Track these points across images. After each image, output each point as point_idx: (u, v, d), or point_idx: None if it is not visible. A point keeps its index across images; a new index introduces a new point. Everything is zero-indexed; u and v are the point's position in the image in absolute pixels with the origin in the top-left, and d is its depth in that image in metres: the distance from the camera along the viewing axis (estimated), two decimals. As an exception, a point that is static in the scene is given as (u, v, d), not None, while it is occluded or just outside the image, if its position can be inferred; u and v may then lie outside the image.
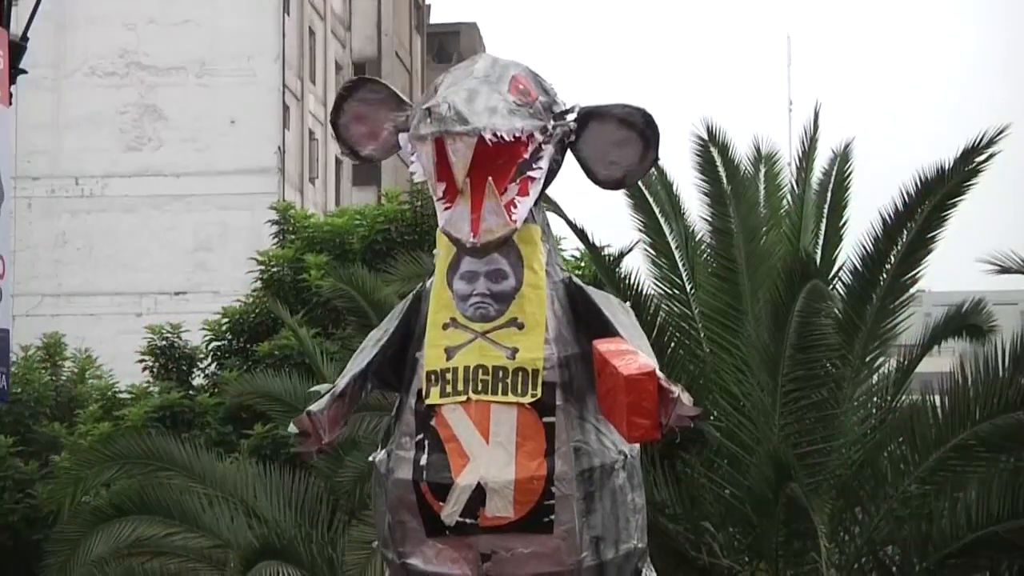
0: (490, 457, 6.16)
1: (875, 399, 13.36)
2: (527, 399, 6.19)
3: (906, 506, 12.16)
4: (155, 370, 20.14)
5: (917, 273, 12.97)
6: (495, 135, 6.01)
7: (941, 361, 14.49)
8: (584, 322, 6.37)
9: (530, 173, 6.18)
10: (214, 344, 19.60)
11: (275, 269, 19.37)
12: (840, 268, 13.79)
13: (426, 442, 6.24)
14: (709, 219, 13.96)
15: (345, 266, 16.65)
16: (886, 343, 13.23)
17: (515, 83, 6.22)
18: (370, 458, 6.66)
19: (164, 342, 20.12)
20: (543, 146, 6.21)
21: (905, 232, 12.67)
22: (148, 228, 38.03)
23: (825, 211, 14.46)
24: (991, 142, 12.37)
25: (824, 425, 12.35)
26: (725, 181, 13.78)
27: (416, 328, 6.45)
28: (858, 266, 12.91)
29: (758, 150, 15.62)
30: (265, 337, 18.67)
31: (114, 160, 38.52)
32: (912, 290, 13.12)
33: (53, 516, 16.41)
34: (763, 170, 15.48)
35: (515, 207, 6.13)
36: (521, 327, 6.26)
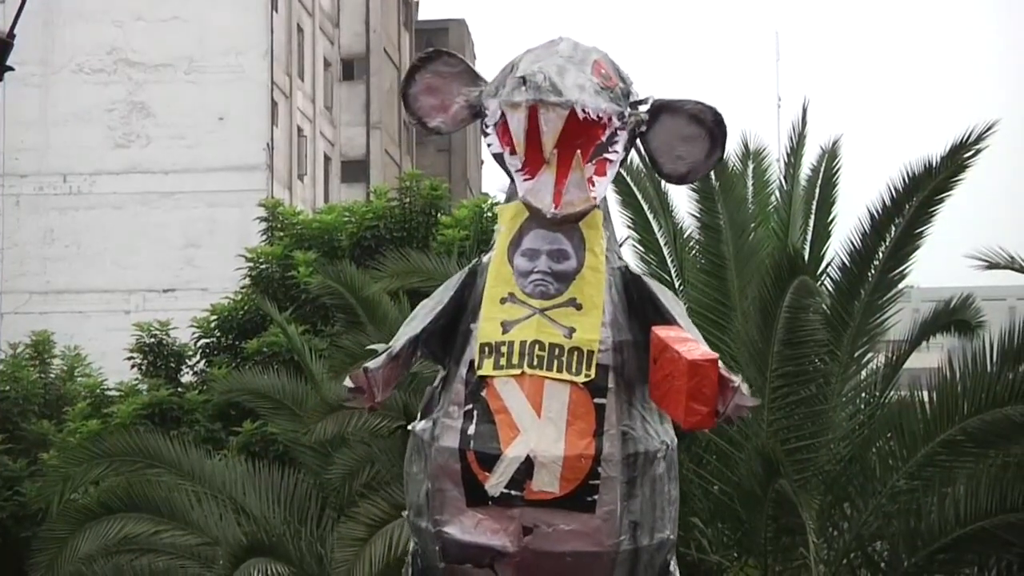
0: (541, 431, 6.21)
1: (863, 395, 13.38)
2: (581, 378, 6.26)
3: (894, 502, 12.17)
4: (144, 367, 20.11)
5: (905, 269, 12.99)
6: (584, 111, 6.15)
7: (929, 357, 14.52)
8: (638, 311, 6.45)
9: (607, 155, 6.33)
10: (203, 341, 19.56)
11: (264, 266, 19.34)
12: (828, 264, 13.81)
13: (475, 412, 6.28)
14: (697, 215, 13.97)
15: (334, 263, 16.63)
16: (874, 339, 13.25)
17: (597, 67, 6.38)
18: (409, 427, 6.68)
19: (153, 339, 20.07)
20: (618, 132, 6.35)
21: (893, 228, 12.69)
22: (136, 225, 37.97)
23: (813, 207, 14.49)
24: (979, 138, 12.39)
25: (812, 421, 12.36)
26: (713, 177, 13.79)
27: (469, 301, 6.50)
28: (846, 262, 12.93)
29: (746, 146, 15.64)
30: (254, 334, 18.64)
31: (102, 157, 38.46)
32: (900, 286, 13.15)
33: (41, 514, 16.39)
34: (751, 166, 15.51)
35: (594, 185, 6.28)
36: (579, 308, 6.34)
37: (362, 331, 13.67)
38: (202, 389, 18.74)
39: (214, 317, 19.52)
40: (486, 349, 6.32)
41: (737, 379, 6.13)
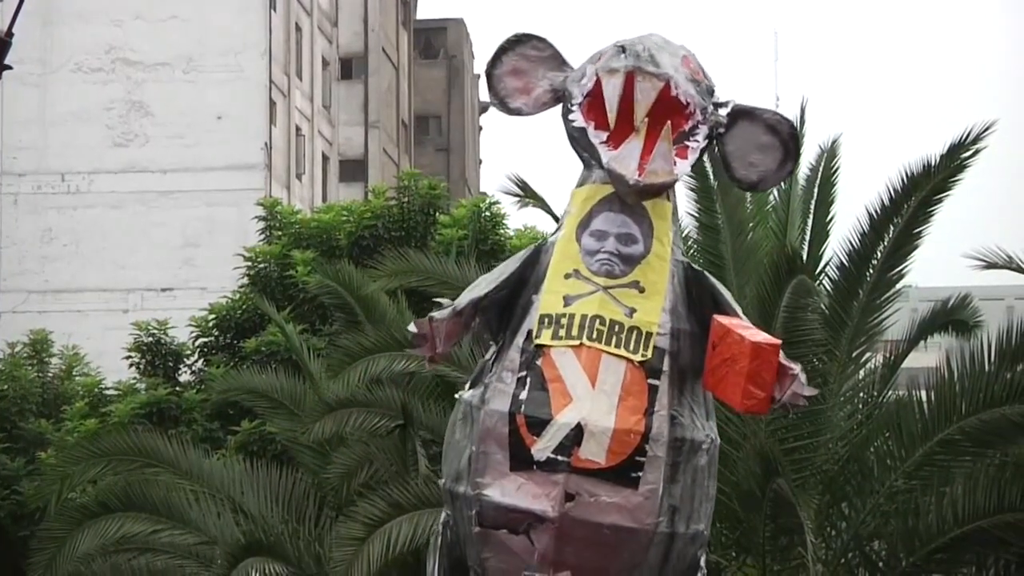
0: (594, 402, 6.30)
1: (861, 394, 13.38)
2: (638, 357, 6.38)
3: (892, 501, 12.18)
4: (142, 367, 20.10)
5: (903, 268, 13.00)
6: (677, 89, 6.34)
7: (927, 356, 14.52)
8: (696, 306, 6.59)
9: (688, 143, 6.47)
10: (201, 340, 19.56)
11: (262, 265, 19.33)
12: (827, 263, 13.81)
13: (528, 379, 6.39)
14: (696, 215, 13.98)
15: (332, 262, 16.63)
16: (872, 338, 13.25)
17: (686, 61, 6.56)
18: (456, 395, 6.79)
19: (151, 339, 20.07)
20: (700, 125, 6.49)
21: (891, 227, 12.70)
22: (135, 224, 37.94)
23: (812, 206, 14.49)
24: (977, 138, 12.41)
25: (811, 421, 12.36)
26: (712, 176, 13.80)
27: (532, 277, 6.62)
28: (844, 261, 12.94)
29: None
30: (252, 333, 18.63)
31: (101, 156, 38.42)
32: (898, 285, 13.15)
33: (40, 512, 16.39)
34: (750, 166, 15.46)
35: (677, 162, 6.43)
36: (642, 291, 6.48)
37: (360, 330, 13.67)
38: (200, 388, 18.74)
39: (212, 316, 19.52)
40: (546, 320, 6.45)
41: (797, 367, 6.31)
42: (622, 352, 6.37)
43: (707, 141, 6.60)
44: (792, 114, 14.86)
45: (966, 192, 13.34)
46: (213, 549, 12.95)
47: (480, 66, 7.37)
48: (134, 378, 20.09)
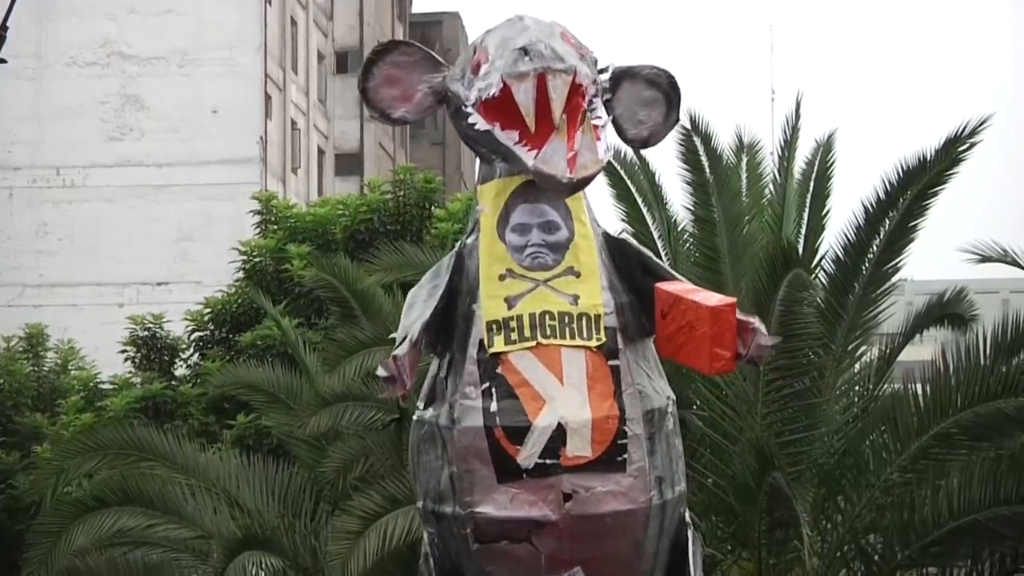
0: (566, 398, 6.29)
1: (857, 388, 13.39)
2: (594, 343, 6.36)
3: (888, 494, 12.19)
4: (137, 361, 20.10)
5: (899, 262, 13.01)
6: (579, 76, 6.25)
7: (923, 350, 14.54)
8: (626, 274, 6.58)
9: (595, 121, 6.37)
10: (196, 335, 19.56)
11: (257, 259, 19.33)
12: (822, 257, 13.82)
13: (493, 389, 6.34)
14: (692, 208, 13.98)
15: (328, 256, 16.62)
16: (868, 332, 13.26)
17: (565, 37, 6.46)
18: (415, 416, 6.72)
19: (146, 333, 20.07)
20: (594, 99, 6.40)
21: (887, 221, 12.71)
22: (130, 218, 37.92)
23: (808, 200, 14.50)
24: (973, 132, 12.42)
25: (806, 414, 12.37)
26: (708, 170, 13.81)
27: (463, 284, 6.54)
28: (840, 255, 12.94)
29: (740, 139, 15.64)
30: (247, 327, 18.63)
31: (96, 150, 38.40)
32: (894, 279, 13.16)
33: (35, 507, 16.37)
34: (745, 159, 15.51)
35: (598, 148, 6.35)
36: (578, 275, 6.45)
37: (356, 324, 13.66)
38: (196, 382, 18.74)
39: (208, 310, 19.52)
40: (494, 327, 6.38)
41: (755, 320, 6.32)
42: (578, 342, 6.35)
43: (608, 114, 6.52)
44: (788, 108, 14.89)
45: (962, 186, 13.36)
46: (209, 543, 12.95)
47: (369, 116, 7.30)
48: (129, 372, 20.10)
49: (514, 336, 6.35)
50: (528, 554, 6.34)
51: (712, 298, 6.29)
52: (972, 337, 12.59)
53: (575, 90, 6.26)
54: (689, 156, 13.86)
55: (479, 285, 6.45)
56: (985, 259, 13.18)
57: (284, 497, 13.44)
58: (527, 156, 6.28)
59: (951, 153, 12.47)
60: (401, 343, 6.41)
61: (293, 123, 42.28)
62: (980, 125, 12.43)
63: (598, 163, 6.30)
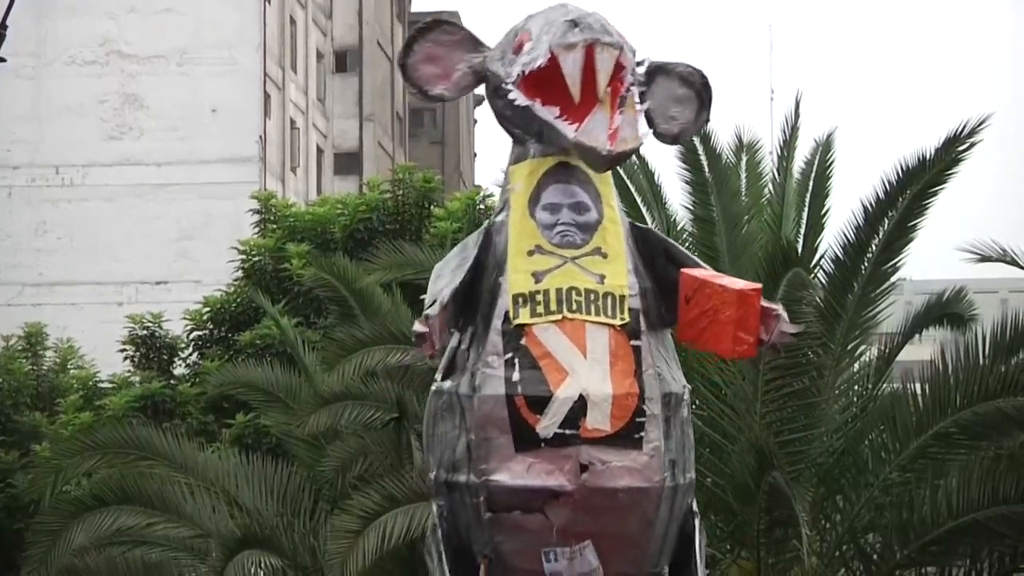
0: (588, 371, 6.39)
1: (856, 387, 13.38)
2: (618, 321, 6.48)
3: (887, 494, 12.19)
4: (136, 360, 20.09)
5: (898, 262, 13.01)
6: (625, 56, 6.40)
7: (922, 349, 14.53)
8: (650, 262, 6.73)
9: (636, 107, 6.51)
10: (195, 334, 19.55)
11: (257, 258, 19.33)
12: (822, 256, 13.82)
13: (516, 360, 6.44)
14: (691, 208, 13.98)
15: (327, 255, 16.61)
16: (867, 331, 13.26)
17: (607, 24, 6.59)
18: (433, 388, 6.80)
19: (145, 332, 20.07)
20: (631, 87, 6.53)
21: (886, 221, 12.70)
22: (129, 217, 37.91)
23: (807, 199, 14.50)
24: (973, 131, 12.42)
25: (805, 413, 12.37)
26: (707, 170, 13.80)
27: (489, 260, 6.67)
28: (839, 254, 12.94)
29: (740, 139, 15.63)
30: (247, 326, 18.63)
31: (95, 149, 38.39)
32: (893, 278, 13.16)
33: (34, 505, 16.36)
34: (744, 159, 15.51)
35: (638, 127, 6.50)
36: (605, 256, 6.57)
37: (355, 323, 13.65)
38: (195, 381, 18.73)
39: (207, 309, 19.51)
40: (520, 299, 6.49)
41: (778, 307, 6.48)
42: (603, 319, 6.46)
43: (645, 101, 6.66)
44: (787, 107, 14.88)
45: (961, 186, 13.36)
46: (208, 542, 12.94)
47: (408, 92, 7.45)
48: (128, 371, 20.09)
49: (540, 309, 6.45)
50: (540, 526, 6.40)
51: (738, 283, 6.43)
52: (971, 337, 12.59)
53: (620, 68, 6.39)
54: (688, 155, 13.86)
55: (507, 260, 6.57)
56: (984, 259, 13.19)
57: (283, 496, 13.44)
58: (567, 129, 6.39)
59: (950, 153, 12.47)
60: (432, 305, 6.54)
61: (292, 122, 42.27)
62: (979, 125, 12.43)
63: (637, 140, 6.44)
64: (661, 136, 6.92)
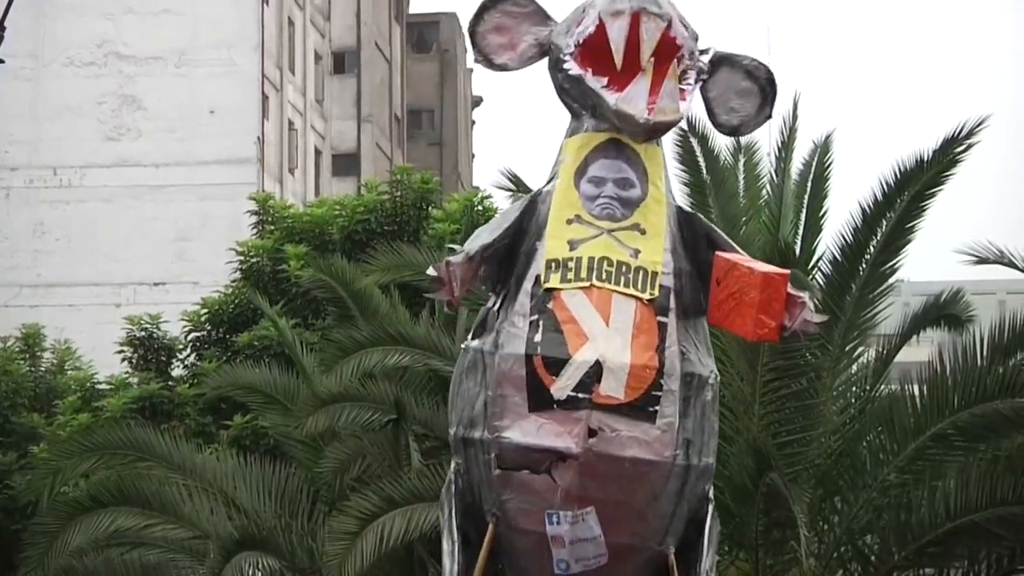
0: (608, 339, 6.46)
1: (854, 389, 13.38)
2: (646, 295, 6.57)
3: (885, 495, 12.19)
4: (134, 361, 20.07)
5: (896, 263, 13.01)
6: (675, 30, 6.53)
7: (920, 351, 14.54)
8: (692, 247, 6.81)
9: (682, 85, 6.63)
10: (193, 335, 19.54)
11: (254, 260, 19.31)
12: (819, 258, 13.81)
13: (541, 322, 6.55)
14: (689, 208, 13.94)
15: (325, 256, 16.60)
16: (865, 333, 13.26)
17: (672, 6, 6.74)
18: (463, 346, 6.92)
19: (143, 333, 20.05)
20: (688, 70, 6.66)
21: (884, 222, 12.70)
22: (127, 218, 37.90)
23: (805, 201, 14.49)
24: (971, 133, 12.41)
25: (803, 415, 12.37)
26: (705, 171, 13.80)
27: (531, 226, 6.77)
28: (837, 256, 12.94)
29: (738, 140, 15.61)
30: (244, 328, 18.62)
31: (93, 150, 38.38)
32: (891, 280, 13.16)
33: (32, 507, 16.35)
34: (742, 160, 15.49)
35: (684, 100, 6.65)
36: (643, 232, 6.66)
37: (353, 325, 13.66)
38: (193, 383, 18.72)
39: (205, 311, 19.50)
40: (553, 264, 6.60)
41: (805, 295, 6.50)
42: (631, 291, 6.54)
43: (697, 86, 6.76)
44: (785, 109, 14.88)
45: (959, 187, 13.35)
46: (206, 543, 12.94)
47: (472, 61, 7.42)
48: (126, 372, 20.07)
49: (570, 275, 6.55)
50: (545, 487, 6.46)
51: (766, 267, 6.50)
52: (969, 338, 12.59)
53: (668, 41, 6.50)
54: (686, 156, 13.86)
55: (546, 226, 6.67)
56: (982, 260, 13.18)
57: (281, 497, 13.44)
58: (610, 97, 6.52)
59: (948, 154, 12.47)
60: (458, 255, 6.67)
61: (290, 123, 42.26)
62: (978, 126, 12.43)
63: (677, 113, 6.57)
64: (720, 127, 7.00)
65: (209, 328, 19.38)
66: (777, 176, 14.85)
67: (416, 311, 14.59)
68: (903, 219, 12.69)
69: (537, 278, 6.60)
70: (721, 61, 6.87)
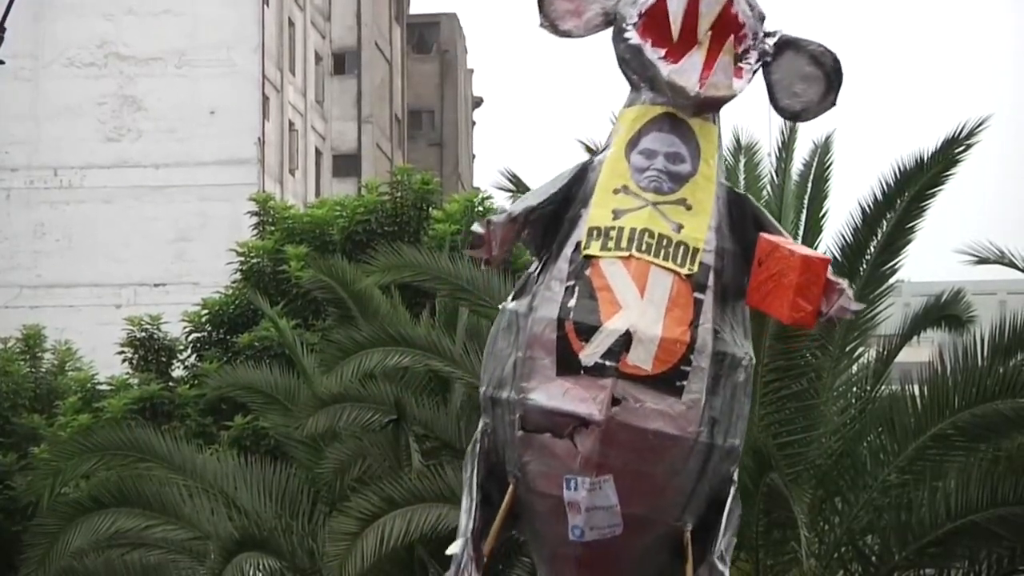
0: (642, 310, 6.46)
1: (855, 389, 13.38)
2: (685, 270, 6.55)
3: (885, 495, 12.18)
4: (135, 362, 20.08)
5: (896, 263, 13.01)
6: (737, 7, 6.53)
7: (920, 351, 14.53)
8: (739, 228, 6.75)
9: (742, 64, 6.63)
10: (194, 336, 19.55)
11: (255, 260, 19.32)
12: (820, 258, 13.78)
13: (576, 288, 6.56)
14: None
15: (325, 257, 16.60)
16: (866, 333, 13.25)
17: None
18: (500, 306, 6.97)
19: (143, 334, 20.05)
20: (750, 50, 6.66)
21: (885, 222, 12.70)
22: (127, 219, 37.90)
23: (805, 201, 14.48)
24: (971, 133, 12.41)
25: (804, 415, 12.36)
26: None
27: (579, 193, 6.78)
28: (838, 256, 12.93)
29: (738, 140, 15.61)
30: (245, 328, 18.62)
31: (93, 151, 38.38)
32: (891, 280, 13.16)
33: (32, 508, 16.36)
34: (743, 160, 15.49)
35: (739, 77, 6.63)
36: (689, 208, 6.64)
37: (353, 325, 13.66)
38: (193, 383, 18.72)
39: (205, 311, 19.51)
40: (595, 232, 6.60)
41: (844, 282, 6.46)
42: (670, 265, 6.53)
43: (757, 66, 6.74)
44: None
45: (960, 187, 13.35)
46: (206, 544, 12.94)
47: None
48: (127, 373, 20.08)
49: (611, 244, 6.55)
50: (566, 452, 6.45)
51: (807, 250, 6.48)
52: (969, 338, 12.59)
53: (730, 17, 6.50)
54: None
55: (593, 194, 6.69)
56: (982, 261, 13.18)
57: (281, 498, 13.44)
58: (664, 67, 6.55)
59: (948, 154, 12.47)
60: (501, 215, 6.72)
61: (291, 124, 42.27)
62: (978, 126, 12.43)
63: (729, 89, 6.55)
64: (781, 111, 6.96)
65: (209, 329, 19.39)
66: (777, 176, 14.85)
67: (416, 312, 14.60)
68: (903, 219, 12.68)
69: (578, 244, 6.61)
70: (787, 45, 6.84)
